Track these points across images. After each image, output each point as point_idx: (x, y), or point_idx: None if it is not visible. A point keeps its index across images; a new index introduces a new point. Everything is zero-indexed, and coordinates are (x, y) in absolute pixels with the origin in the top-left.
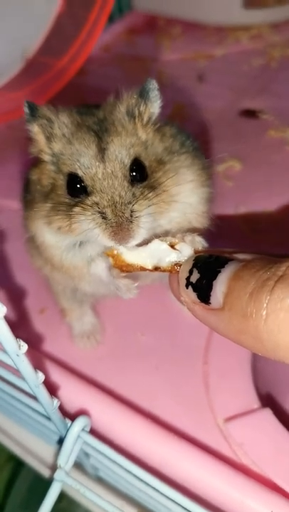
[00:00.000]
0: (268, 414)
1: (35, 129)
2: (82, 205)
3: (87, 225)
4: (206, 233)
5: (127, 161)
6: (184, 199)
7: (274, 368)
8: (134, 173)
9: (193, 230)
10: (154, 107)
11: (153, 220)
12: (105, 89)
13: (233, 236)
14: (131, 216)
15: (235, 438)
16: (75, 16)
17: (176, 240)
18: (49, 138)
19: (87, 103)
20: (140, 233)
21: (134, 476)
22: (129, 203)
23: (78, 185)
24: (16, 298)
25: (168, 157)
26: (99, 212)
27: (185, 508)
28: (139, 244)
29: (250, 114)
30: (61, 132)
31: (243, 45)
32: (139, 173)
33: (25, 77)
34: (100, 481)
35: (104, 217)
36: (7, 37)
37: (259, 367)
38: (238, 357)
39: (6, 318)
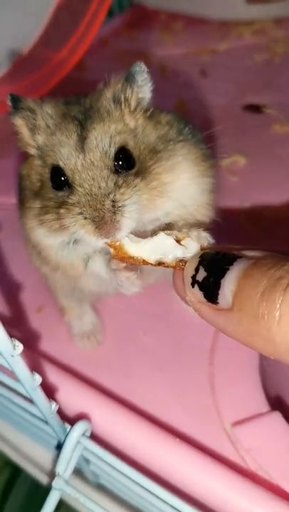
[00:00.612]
0: (277, 418)
1: (19, 122)
2: (66, 205)
3: (73, 226)
4: (210, 229)
5: (111, 149)
6: (181, 189)
7: (284, 369)
8: (120, 162)
9: (199, 225)
10: (144, 91)
11: (141, 208)
12: None
13: (237, 232)
14: (113, 207)
15: (243, 443)
16: (74, 9)
17: (182, 235)
18: (33, 130)
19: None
20: (126, 223)
21: (137, 483)
22: (110, 193)
23: (61, 178)
24: (12, 296)
25: (162, 145)
26: (80, 212)
27: None
28: (144, 236)
29: (254, 108)
30: (45, 123)
31: (246, 40)
32: (126, 162)
33: (23, 71)
34: (100, 488)
35: (86, 217)
36: (3, 30)
37: (268, 368)
38: (245, 358)
39: (0, 317)
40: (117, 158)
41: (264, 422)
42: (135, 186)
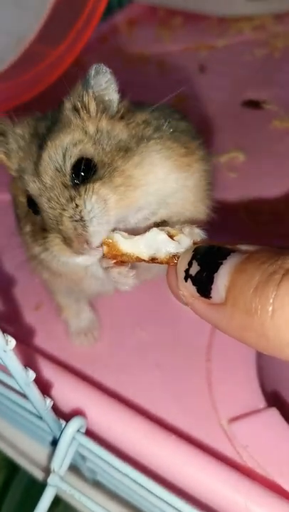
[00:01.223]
0: (274, 414)
1: None
2: (43, 232)
3: (53, 252)
4: (206, 225)
5: (66, 164)
6: (156, 183)
7: (280, 365)
8: (82, 174)
9: (192, 222)
10: (109, 93)
11: (112, 209)
12: None
13: (235, 228)
14: (71, 222)
15: (240, 439)
16: (72, 5)
17: (176, 231)
18: (7, 154)
19: None
20: (91, 233)
21: (133, 479)
22: (64, 210)
23: (34, 204)
24: (10, 293)
25: (135, 144)
26: (51, 238)
27: None
28: (137, 233)
29: (253, 104)
30: (17, 146)
31: (245, 35)
32: (87, 171)
33: (20, 67)
34: (97, 485)
35: (56, 243)
36: (0, 26)
37: (265, 364)
38: (242, 354)
39: None
40: (75, 169)
41: (261, 418)
42: (92, 192)
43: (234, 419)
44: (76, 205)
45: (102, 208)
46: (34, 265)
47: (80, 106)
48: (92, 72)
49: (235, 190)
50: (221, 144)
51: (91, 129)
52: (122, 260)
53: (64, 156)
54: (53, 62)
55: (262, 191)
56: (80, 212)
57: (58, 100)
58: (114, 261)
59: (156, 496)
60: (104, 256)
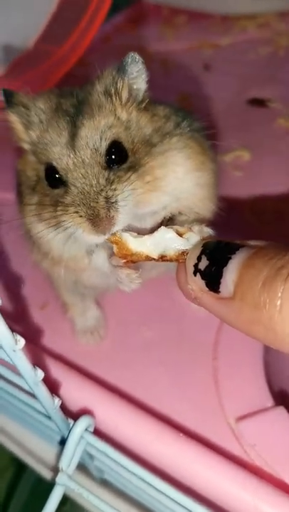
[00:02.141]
0: (281, 412)
1: (13, 118)
2: (61, 204)
3: (70, 225)
4: (212, 223)
5: (102, 145)
6: (175, 182)
7: (288, 364)
8: (113, 156)
9: (201, 220)
10: (138, 82)
11: (136, 202)
12: None
13: (240, 226)
14: (107, 203)
15: (247, 438)
16: (77, 3)
17: (184, 230)
18: (26, 126)
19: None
20: (120, 218)
21: (141, 478)
22: (102, 190)
23: (55, 176)
24: (16, 293)
25: (158, 139)
26: (75, 211)
27: None
28: (146, 233)
29: (258, 102)
30: (38, 119)
31: (249, 33)
32: (119, 156)
33: (24, 66)
34: (105, 483)
35: (81, 215)
36: (6, 25)
37: (272, 362)
38: (249, 352)
39: (4, 313)
40: (108, 153)
41: (268, 417)
42: (128, 181)
43: (241, 418)
44: (115, 188)
45: (133, 198)
46: (34, 253)
47: (113, 91)
48: (128, 60)
49: (241, 188)
50: (226, 142)
51: (123, 116)
52: (131, 260)
53: (101, 137)
54: (57, 61)
55: (267, 189)
56: (116, 196)
57: None
58: (124, 260)
59: (164, 494)
60: (114, 254)
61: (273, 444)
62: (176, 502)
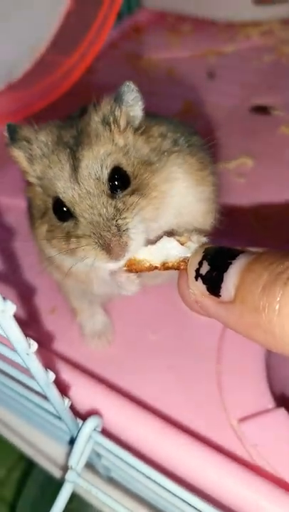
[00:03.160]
0: (282, 414)
1: (16, 153)
2: (73, 236)
3: (82, 253)
4: (215, 230)
5: (103, 173)
6: (178, 197)
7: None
8: (116, 182)
9: (199, 231)
10: (135, 110)
11: (146, 225)
12: (114, 88)
13: (244, 232)
14: (118, 230)
15: (249, 439)
16: (84, 14)
17: (184, 239)
18: (30, 160)
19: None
20: (134, 244)
21: (146, 476)
22: (113, 218)
23: (63, 209)
24: (27, 297)
25: (156, 157)
26: (87, 242)
27: (199, 510)
28: (148, 243)
29: (261, 110)
30: (41, 152)
31: (253, 41)
32: (122, 181)
33: (34, 76)
34: (112, 482)
35: (94, 247)
36: (15, 36)
37: (273, 365)
38: (251, 356)
39: (16, 317)
40: (111, 179)
41: (270, 418)
42: (135, 205)
43: (244, 419)
44: (125, 217)
45: (141, 220)
46: (45, 264)
47: (111, 120)
48: (125, 89)
49: (244, 195)
50: (230, 149)
51: (120, 142)
52: (135, 270)
53: (101, 165)
54: (66, 71)
55: (270, 196)
56: (127, 224)
57: (70, 108)
58: (125, 268)
59: (169, 492)
60: None
61: (274, 444)
62: (181, 499)
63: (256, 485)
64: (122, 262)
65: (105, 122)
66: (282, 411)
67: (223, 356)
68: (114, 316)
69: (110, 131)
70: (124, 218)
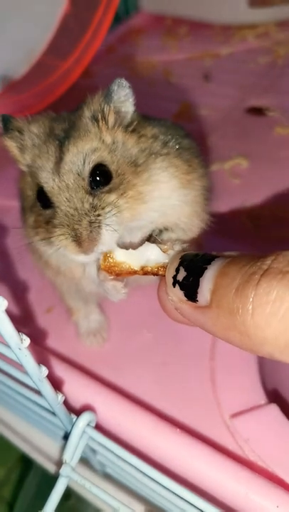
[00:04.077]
0: (274, 410)
1: (9, 142)
2: (51, 224)
3: (57, 242)
4: (209, 230)
5: (85, 169)
6: (161, 199)
7: (281, 364)
8: (97, 178)
9: (182, 241)
10: (126, 106)
11: (121, 220)
12: None
13: (238, 232)
14: (90, 226)
15: (241, 434)
16: (80, 17)
17: (166, 247)
18: (21, 149)
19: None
20: (105, 238)
21: (140, 471)
22: (86, 214)
23: (45, 198)
24: (23, 297)
25: (144, 159)
26: (62, 233)
27: (192, 504)
28: (134, 248)
29: (257, 111)
30: (31, 143)
31: (249, 43)
32: (102, 177)
33: (30, 79)
34: (107, 477)
35: (66, 237)
36: (12, 39)
37: (266, 362)
38: (244, 353)
39: (12, 316)
40: (92, 175)
41: (262, 413)
42: (111, 203)
43: (236, 415)
44: (98, 214)
45: (116, 218)
46: (38, 262)
47: (100, 117)
48: (115, 86)
49: (238, 195)
50: (225, 150)
51: (108, 139)
52: (116, 273)
53: (84, 161)
54: (62, 74)
55: (264, 197)
56: (100, 221)
57: (67, 111)
58: (112, 277)
59: (162, 486)
60: (101, 268)
61: (266, 439)
62: (174, 494)
63: (248, 479)
64: (92, 257)
65: (94, 118)
66: (274, 407)
67: (216, 353)
68: (109, 314)
69: (98, 127)
70: (98, 215)
